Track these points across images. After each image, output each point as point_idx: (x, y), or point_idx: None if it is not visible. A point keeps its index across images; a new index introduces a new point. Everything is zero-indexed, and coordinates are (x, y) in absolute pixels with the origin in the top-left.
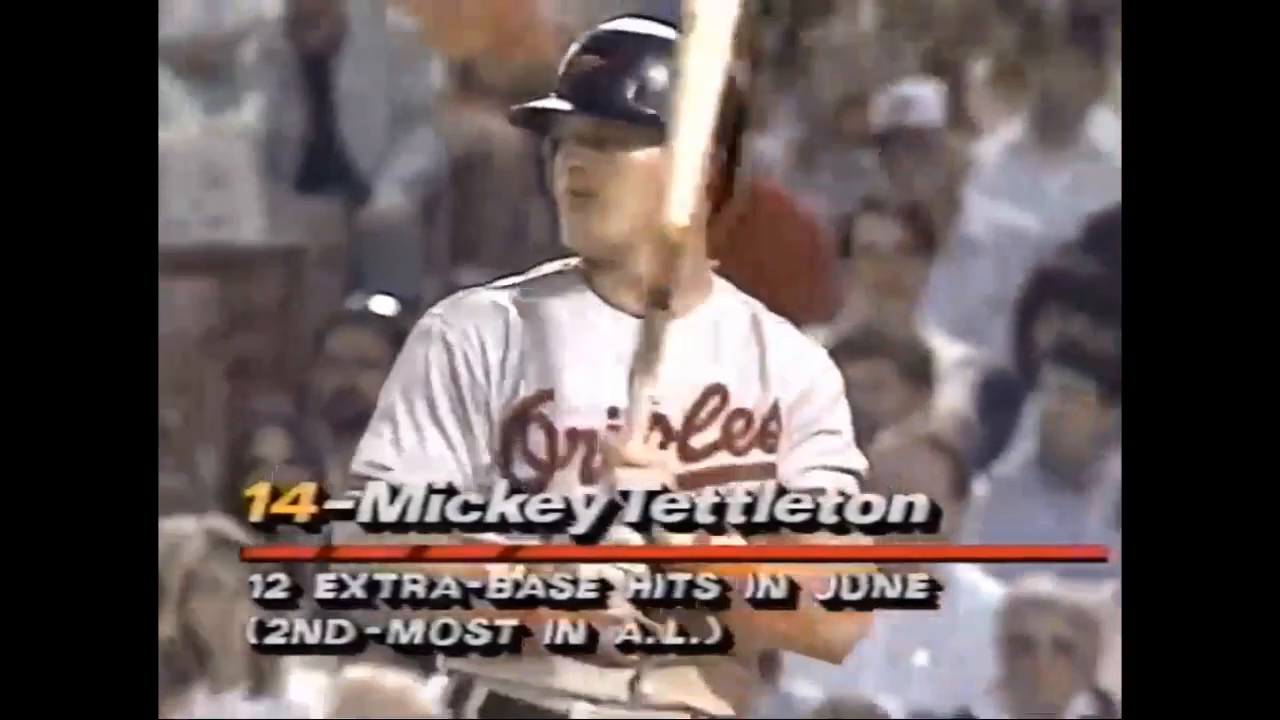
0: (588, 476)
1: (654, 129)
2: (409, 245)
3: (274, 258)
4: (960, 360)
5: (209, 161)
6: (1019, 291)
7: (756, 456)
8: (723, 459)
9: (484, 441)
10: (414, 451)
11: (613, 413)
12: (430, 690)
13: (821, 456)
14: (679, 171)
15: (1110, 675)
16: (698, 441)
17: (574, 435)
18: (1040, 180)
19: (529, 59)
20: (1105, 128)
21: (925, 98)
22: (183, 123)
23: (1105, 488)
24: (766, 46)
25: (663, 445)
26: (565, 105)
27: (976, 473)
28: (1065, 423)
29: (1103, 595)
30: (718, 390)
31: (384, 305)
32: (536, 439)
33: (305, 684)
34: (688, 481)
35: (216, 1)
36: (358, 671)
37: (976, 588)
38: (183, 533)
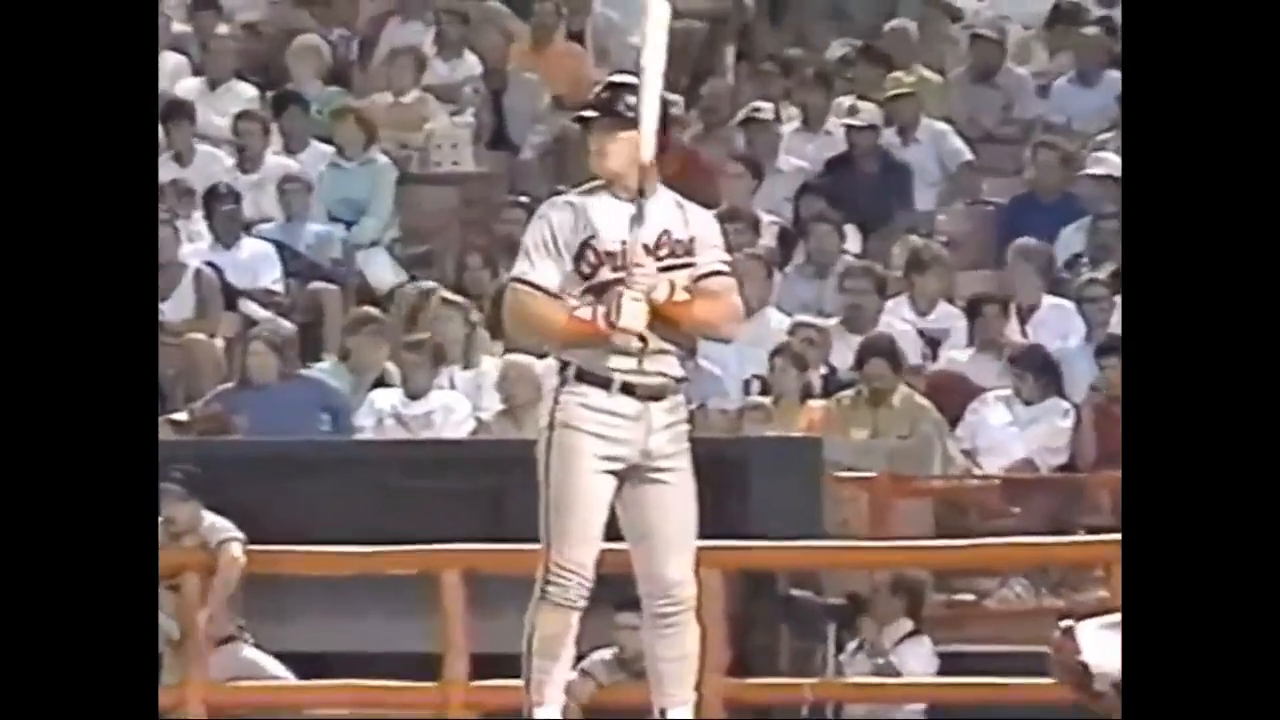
0: (615, 269)
1: (629, 123)
2: (533, 172)
3: (480, 177)
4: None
5: (456, 134)
6: None
7: (686, 259)
8: (671, 261)
9: (569, 258)
10: (543, 266)
11: (620, 243)
12: None
13: (712, 260)
14: (645, 135)
15: None
16: (661, 254)
17: (606, 253)
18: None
19: (584, 94)
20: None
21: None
22: (442, 121)
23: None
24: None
25: (646, 256)
26: (593, 113)
27: None
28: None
29: None
30: (667, 231)
31: (523, 200)
32: (591, 256)
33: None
34: (661, 271)
35: (467, 66)
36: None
37: None
38: None
